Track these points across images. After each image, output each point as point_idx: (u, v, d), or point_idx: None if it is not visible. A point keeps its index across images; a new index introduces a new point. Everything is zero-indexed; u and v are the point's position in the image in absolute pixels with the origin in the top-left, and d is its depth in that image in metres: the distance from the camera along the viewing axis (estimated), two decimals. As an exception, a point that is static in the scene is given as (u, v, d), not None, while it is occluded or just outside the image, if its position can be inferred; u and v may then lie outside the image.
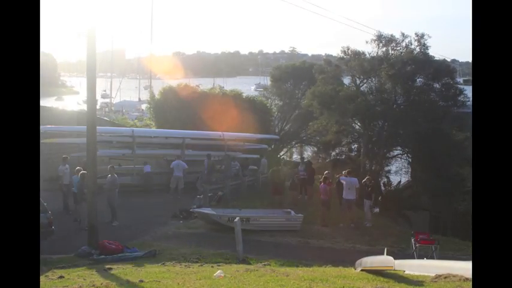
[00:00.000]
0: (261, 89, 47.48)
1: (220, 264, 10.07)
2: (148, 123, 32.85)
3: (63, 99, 64.40)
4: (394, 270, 6.07)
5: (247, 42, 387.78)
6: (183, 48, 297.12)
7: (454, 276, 5.40)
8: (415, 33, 23.09)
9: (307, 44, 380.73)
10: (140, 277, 7.60)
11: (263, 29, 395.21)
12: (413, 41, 23.01)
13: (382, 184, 25.04)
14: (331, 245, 14.78)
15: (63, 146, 20.42)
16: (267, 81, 46.07)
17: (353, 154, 25.63)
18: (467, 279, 5.18)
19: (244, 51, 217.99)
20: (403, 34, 23.30)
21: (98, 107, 41.27)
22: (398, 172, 25.94)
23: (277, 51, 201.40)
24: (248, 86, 76.86)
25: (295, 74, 31.78)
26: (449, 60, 37.33)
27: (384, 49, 23.44)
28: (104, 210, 15.19)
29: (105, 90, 64.77)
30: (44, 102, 40.67)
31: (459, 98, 22.83)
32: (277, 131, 30.57)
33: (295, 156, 35.33)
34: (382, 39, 23.32)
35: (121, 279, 7.88)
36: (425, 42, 22.93)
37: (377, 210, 23.57)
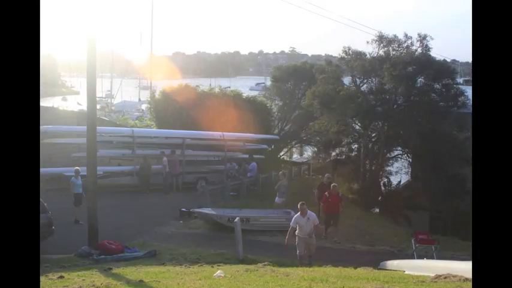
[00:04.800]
0: (259, 89, 47.19)
1: (220, 264, 10.08)
2: (149, 124, 32.80)
3: (66, 99, 64.17)
4: (394, 270, 6.08)
5: (247, 42, 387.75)
6: (184, 49, 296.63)
7: (453, 276, 5.40)
8: (418, 34, 23.01)
9: (307, 44, 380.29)
10: (140, 277, 7.60)
11: (263, 29, 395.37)
12: (415, 42, 22.95)
13: (382, 184, 24.99)
14: (331, 245, 14.76)
15: (63, 146, 20.43)
16: (267, 81, 45.92)
17: (353, 154, 25.54)
18: (467, 279, 5.18)
19: (244, 51, 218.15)
20: (406, 35, 23.22)
21: (98, 107, 41.14)
22: (398, 172, 25.88)
23: (277, 51, 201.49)
24: (250, 85, 77.05)
25: (295, 74, 31.68)
26: (449, 60, 37.25)
27: (385, 49, 23.36)
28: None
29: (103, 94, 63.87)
30: (45, 103, 40.72)
31: (459, 99, 22.75)
32: (277, 131, 30.51)
33: (295, 156, 35.29)
34: (383, 39, 23.24)
35: (121, 279, 7.88)
36: (428, 43, 22.87)
37: (377, 210, 23.61)
